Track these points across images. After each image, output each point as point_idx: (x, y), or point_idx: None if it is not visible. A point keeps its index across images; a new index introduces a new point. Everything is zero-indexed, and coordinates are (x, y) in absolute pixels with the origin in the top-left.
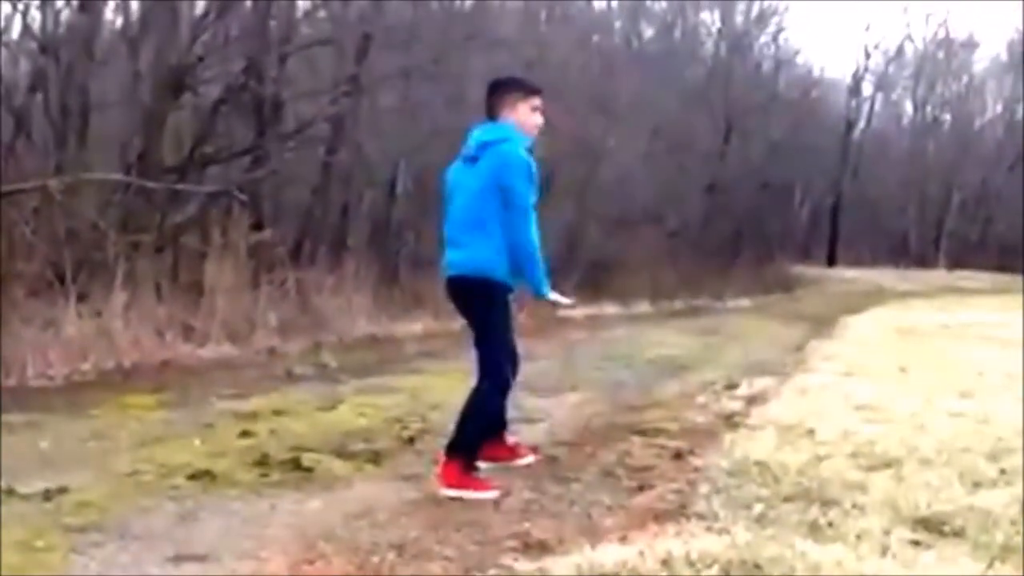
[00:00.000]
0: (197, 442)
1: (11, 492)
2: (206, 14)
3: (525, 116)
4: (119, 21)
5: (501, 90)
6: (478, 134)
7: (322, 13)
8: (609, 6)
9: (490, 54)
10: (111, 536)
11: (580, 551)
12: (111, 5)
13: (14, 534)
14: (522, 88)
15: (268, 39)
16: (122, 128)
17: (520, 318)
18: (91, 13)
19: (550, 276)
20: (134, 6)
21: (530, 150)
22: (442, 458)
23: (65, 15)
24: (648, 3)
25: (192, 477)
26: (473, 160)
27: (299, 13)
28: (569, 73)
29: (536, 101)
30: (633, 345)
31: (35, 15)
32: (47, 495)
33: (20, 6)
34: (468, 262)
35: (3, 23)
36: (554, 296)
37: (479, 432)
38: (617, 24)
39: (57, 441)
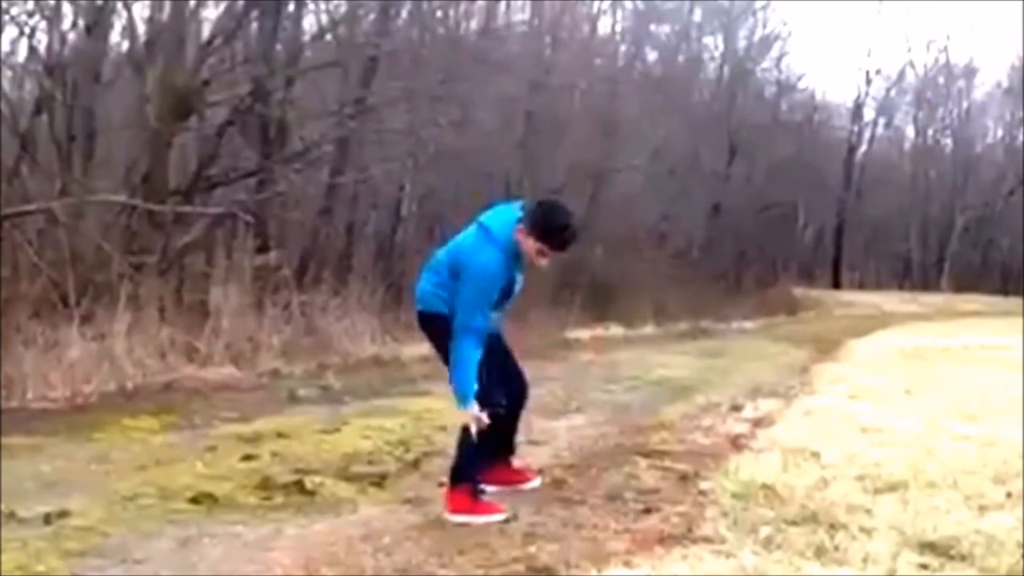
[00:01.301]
0: (199, 465)
1: (11, 516)
2: (213, 37)
3: (530, 249)
4: (125, 44)
5: (532, 217)
6: (486, 215)
7: (328, 36)
8: (613, 30)
9: (495, 77)
10: (112, 561)
11: (586, 575)
12: (117, 28)
13: (14, 558)
14: (536, 229)
15: (274, 62)
16: (127, 150)
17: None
18: (97, 36)
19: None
20: (141, 29)
21: (517, 255)
22: (447, 486)
23: (71, 38)
24: (652, 28)
25: (194, 500)
26: (473, 224)
27: (305, 36)
28: (573, 97)
29: (544, 248)
30: (638, 367)
31: (41, 37)
32: (48, 519)
33: (26, 28)
34: (426, 297)
35: (9, 45)
36: (473, 412)
37: (473, 457)
38: (621, 48)
39: (58, 464)
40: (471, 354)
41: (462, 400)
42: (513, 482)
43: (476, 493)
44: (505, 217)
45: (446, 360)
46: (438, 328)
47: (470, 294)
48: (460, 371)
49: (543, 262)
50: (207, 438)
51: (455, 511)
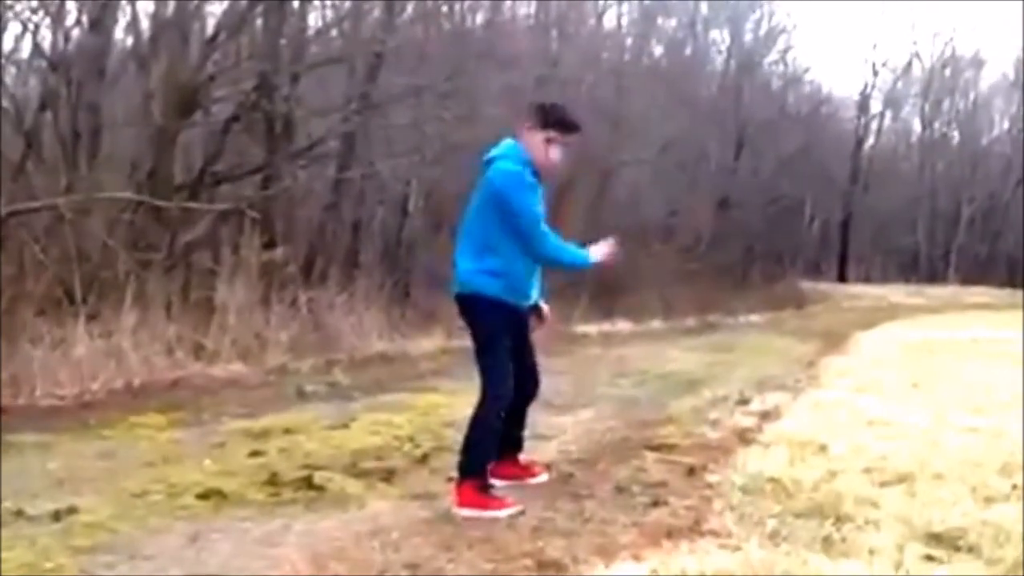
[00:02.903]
0: (207, 462)
1: (20, 513)
2: (217, 33)
3: (536, 146)
4: (129, 40)
5: (525, 112)
6: (489, 151)
7: (333, 32)
8: (619, 24)
9: (501, 72)
10: (121, 557)
11: (594, 569)
12: (122, 24)
13: (23, 556)
14: (538, 118)
15: (279, 57)
16: (133, 147)
17: (539, 335)
18: (101, 32)
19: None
20: (145, 25)
21: (534, 171)
22: (455, 480)
23: (75, 34)
24: (658, 21)
25: (202, 497)
26: (480, 176)
27: (310, 32)
28: (580, 90)
29: (551, 134)
30: (646, 361)
31: (45, 34)
32: (56, 516)
33: (30, 25)
34: (462, 279)
35: (13, 42)
36: (598, 251)
37: (482, 450)
38: (628, 42)
39: (66, 461)
40: (556, 244)
41: (584, 261)
42: (520, 477)
43: (485, 487)
44: (499, 144)
45: (480, 350)
46: (470, 311)
47: (518, 197)
48: (565, 257)
49: (555, 155)
50: (215, 434)
51: (463, 505)
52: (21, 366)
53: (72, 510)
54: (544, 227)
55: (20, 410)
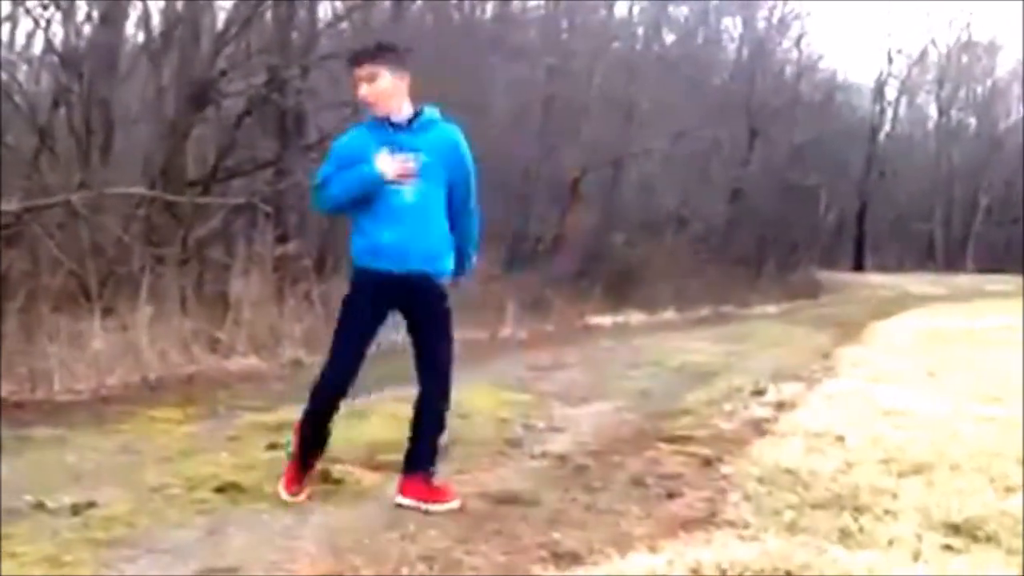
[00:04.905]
0: (224, 455)
1: (39, 507)
2: (228, 27)
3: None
4: (141, 36)
5: None
6: None
7: (344, 24)
8: (631, 13)
9: (511, 63)
10: (140, 550)
11: (609, 560)
12: (133, 19)
13: (43, 549)
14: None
15: (290, 51)
16: (145, 142)
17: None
18: (113, 28)
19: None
20: (156, 20)
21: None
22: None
23: (87, 30)
24: (670, 9)
25: (220, 490)
26: None
27: (321, 25)
28: (591, 80)
29: (355, 73)
30: (660, 353)
31: (57, 30)
32: (75, 510)
33: (42, 21)
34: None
35: (25, 38)
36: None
37: (299, 431)
38: (639, 31)
39: (84, 456)
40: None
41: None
42: (424, 499)
43: (293, 467)
44: None
45: None
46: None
47: None
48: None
49: (360, 93)
50: (231, 428)
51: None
52: (38, 361)
53: (91, 504)
54: (324, 178)
55: (38, 405)
